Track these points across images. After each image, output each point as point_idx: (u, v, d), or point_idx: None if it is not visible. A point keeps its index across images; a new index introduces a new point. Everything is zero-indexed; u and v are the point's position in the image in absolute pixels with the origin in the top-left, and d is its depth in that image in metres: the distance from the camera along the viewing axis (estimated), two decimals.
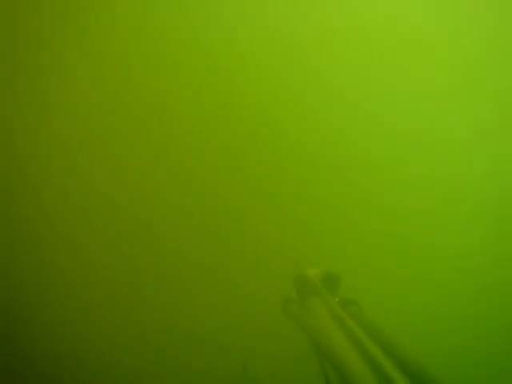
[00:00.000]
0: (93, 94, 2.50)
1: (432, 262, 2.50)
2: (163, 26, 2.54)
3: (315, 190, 2.54)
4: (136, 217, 2.49)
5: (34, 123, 2.46)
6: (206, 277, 2.45)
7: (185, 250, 2.47)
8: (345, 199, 2.53)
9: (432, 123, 2.61)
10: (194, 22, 2.55)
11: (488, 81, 2.59)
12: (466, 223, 2.56)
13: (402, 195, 2.55)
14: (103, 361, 2.33)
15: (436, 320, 2.43)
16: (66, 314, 2.37)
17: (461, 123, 2.59)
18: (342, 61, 2.59)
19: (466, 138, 2.59)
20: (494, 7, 2.57)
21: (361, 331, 1.10)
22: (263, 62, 2.56)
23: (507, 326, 2.44)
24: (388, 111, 2.60)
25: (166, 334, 2.40)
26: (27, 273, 2.39)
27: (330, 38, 2.58)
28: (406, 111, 2.60)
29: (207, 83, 2.54)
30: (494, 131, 2.59)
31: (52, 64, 2.45)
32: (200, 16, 2.55)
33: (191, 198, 2.51)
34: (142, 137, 2.52)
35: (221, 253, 2.46)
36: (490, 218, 2.56)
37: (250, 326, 2.37)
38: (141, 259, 2.46)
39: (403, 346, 1.01)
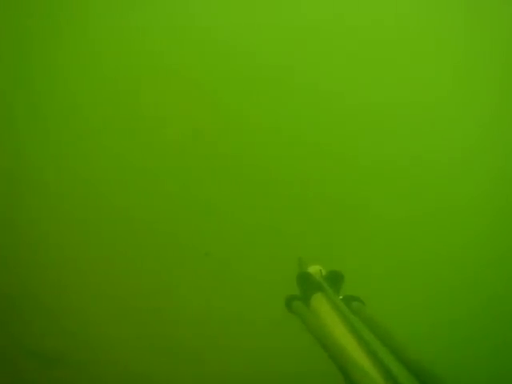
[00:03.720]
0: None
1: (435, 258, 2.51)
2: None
3: (319, 185, 2.54)
4: (137, 215, 2.48)
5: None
6: (207, 275, 2.45)
7: (186, 245, 2.47)
8: (349, 196, 2.54)
9: (433, 124, 2.60)
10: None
11: (491, 81, 2.58)
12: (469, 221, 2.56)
13: (405, 195, 2.56)
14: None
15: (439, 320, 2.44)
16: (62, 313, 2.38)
17: (462, 126, 2.59)
18: (335, 65, 2.57)
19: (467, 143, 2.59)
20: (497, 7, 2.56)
21: (365, 328, 1.10)
22: (256, 62, 2.54)
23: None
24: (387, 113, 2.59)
25: (167, 335, 2.41)
26: (28, 271, 2.40)
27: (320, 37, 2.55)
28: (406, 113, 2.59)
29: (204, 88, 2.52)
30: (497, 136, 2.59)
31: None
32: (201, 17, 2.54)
33: (193, 194, 2.51)
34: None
35: (222, 250, 2.46)
36: (492, 217, 2.57)
37: (253, 323, 2.37)
38: (141, 258, 2.46)
39: (408, 345, 1.01)
